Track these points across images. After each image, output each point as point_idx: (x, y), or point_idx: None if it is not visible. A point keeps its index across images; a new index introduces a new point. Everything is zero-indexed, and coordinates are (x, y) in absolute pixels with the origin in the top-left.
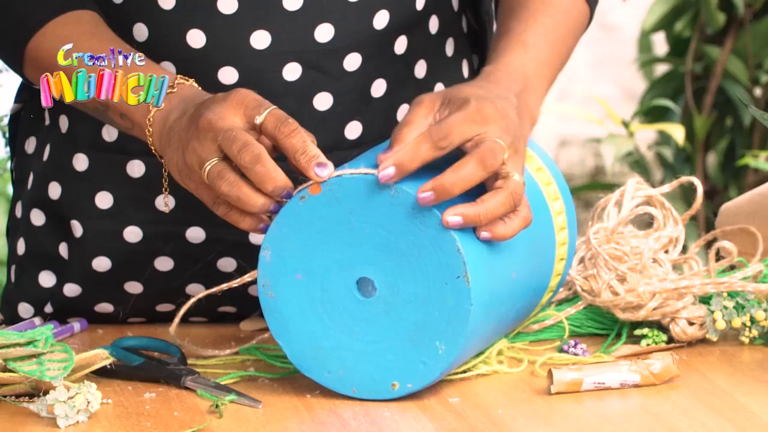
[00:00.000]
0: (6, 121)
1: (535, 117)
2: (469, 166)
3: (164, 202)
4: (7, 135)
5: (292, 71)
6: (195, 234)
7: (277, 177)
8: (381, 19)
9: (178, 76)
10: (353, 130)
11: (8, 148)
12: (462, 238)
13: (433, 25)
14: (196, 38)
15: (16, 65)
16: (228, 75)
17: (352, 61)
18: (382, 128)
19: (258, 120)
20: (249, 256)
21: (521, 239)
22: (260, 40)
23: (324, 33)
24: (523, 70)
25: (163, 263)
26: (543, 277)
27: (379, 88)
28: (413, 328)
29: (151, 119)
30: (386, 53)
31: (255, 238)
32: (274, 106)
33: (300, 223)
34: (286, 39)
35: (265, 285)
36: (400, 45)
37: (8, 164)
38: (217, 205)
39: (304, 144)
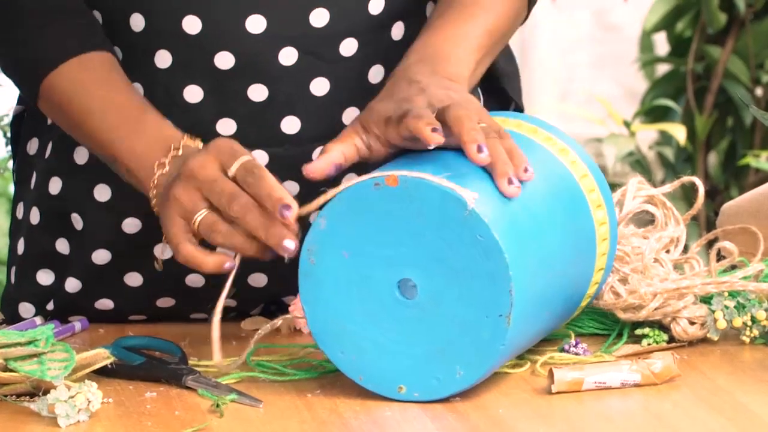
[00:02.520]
0: (7, 120)
1: (454, 75)
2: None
3: (159, 257)
4: (8, 135)
5: (288, 56)
6: None
7: (268, 226)
8: (376, 5)
9: (185, 136)
10: (352, 116)
11: (10, 149)
12: (517, 281)
13: (430, 13)
14: (192, 24)
15: (32, 98)
16: (224, 60)
17: (349, 47)
18: None
19: (230, 173)
20: None
21: (565, 281)
22: (256, 24)
23: (319, 17)
24: (423, 49)
25: (162, 252)
26: (573, 308)
27: (377, 74)
28: (439, 344)
29: (155, 181)
30: (383, 40)
31: None
32: (248, 156)
33: (365, 206)
34: (282, 23)
35: (310, 249)
36: (397, 31)
37: (9, 164)
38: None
39: (269, 190)
